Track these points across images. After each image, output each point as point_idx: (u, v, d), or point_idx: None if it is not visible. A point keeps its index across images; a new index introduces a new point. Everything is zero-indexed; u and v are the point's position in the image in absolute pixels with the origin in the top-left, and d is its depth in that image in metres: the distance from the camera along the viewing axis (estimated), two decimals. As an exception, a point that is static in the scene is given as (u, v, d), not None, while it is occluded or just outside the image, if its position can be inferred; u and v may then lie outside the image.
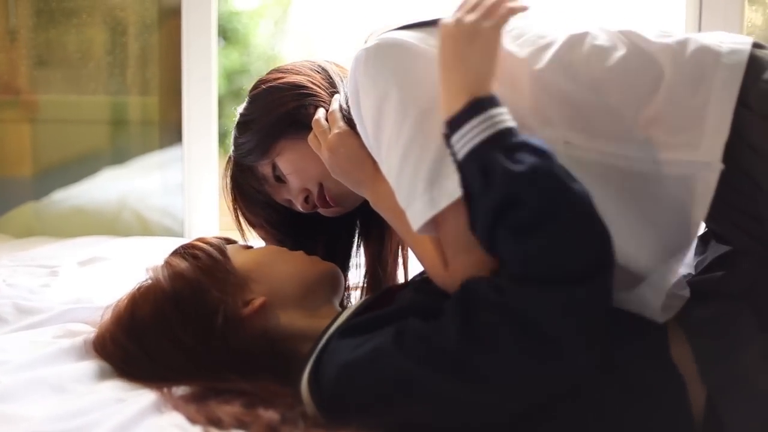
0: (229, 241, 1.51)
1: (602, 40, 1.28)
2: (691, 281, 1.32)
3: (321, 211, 1.59)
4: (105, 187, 2.82)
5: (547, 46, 1.28)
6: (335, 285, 1.50)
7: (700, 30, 2.48)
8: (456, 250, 1.22)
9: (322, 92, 1.54)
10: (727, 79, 1.22)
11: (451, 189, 1.19)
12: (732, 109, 1.20)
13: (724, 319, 1.23)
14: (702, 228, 1.35)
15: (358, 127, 1.37)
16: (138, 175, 2.85)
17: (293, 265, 1.45)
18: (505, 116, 1.13)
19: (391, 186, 1.27)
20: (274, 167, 1.56)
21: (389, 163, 1.26)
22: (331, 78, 1.57)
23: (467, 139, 1.13)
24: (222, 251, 1.43)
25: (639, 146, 1.23)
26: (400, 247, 1.69)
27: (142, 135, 2.87)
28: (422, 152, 1.22)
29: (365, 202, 1.48)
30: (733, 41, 1.26)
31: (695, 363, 1.20)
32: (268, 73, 1.62)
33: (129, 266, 2.12)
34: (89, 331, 1.54)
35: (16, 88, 2.85)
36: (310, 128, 1.49)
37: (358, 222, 1.71)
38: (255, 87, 1.60)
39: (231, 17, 3.49)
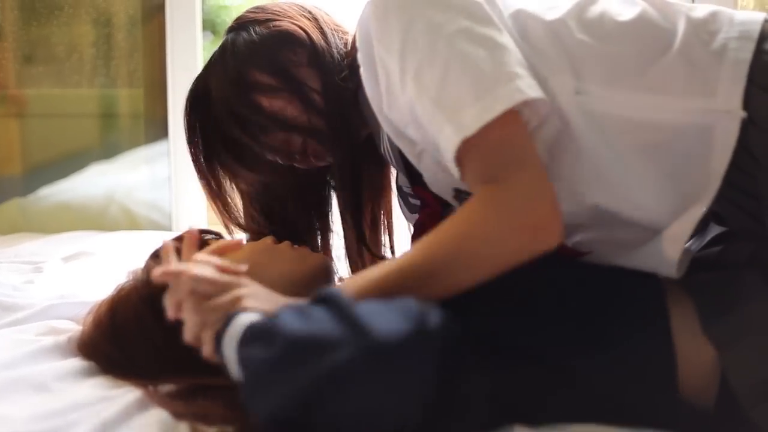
0: (214, 234, 1.48)
1: (615, 2, 1.29)
2: (693, 256, 1.30)
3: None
4: (92, 182, 2.81)
5: (559, 6, 1.29)
6: (327, 278, 1.47)
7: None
8: (506, 164, 1.13)
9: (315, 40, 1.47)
10: (743, 33, 1.22)
11: (505, 95, 1.12)
12: (749, 59, 1.19)
13: (727, 278, 1.22)
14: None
15: (363, 72, 1.30)
16: (125, 169, 2.82)
17: (281, 265, 1.40)
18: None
19: (425, 109, 1.18)
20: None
21: (422, 86, 1.18)
22: (322, 28, 1.49)
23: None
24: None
25: (654, 95, 1.21)
26: (382, 215, 1.64)
27: (130, 130, 2.84)
28: (465, 66, 1.15)
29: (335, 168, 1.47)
30: (744, 13, 1.27)
31: (698, 320, 1.18)
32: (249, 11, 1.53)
33: (115, 261, 2.10)
34: (73, 329, 1.51)
35: (3, 84, 2.82)
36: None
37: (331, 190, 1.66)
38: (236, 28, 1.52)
39: (219, 11, 3.47)
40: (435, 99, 1.16)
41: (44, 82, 2.82)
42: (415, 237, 1.52)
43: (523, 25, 1.26)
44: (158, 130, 2.75)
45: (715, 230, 1.36)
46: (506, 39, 1.20)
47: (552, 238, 1.12)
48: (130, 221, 2.74)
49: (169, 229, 2.69)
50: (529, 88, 1.14)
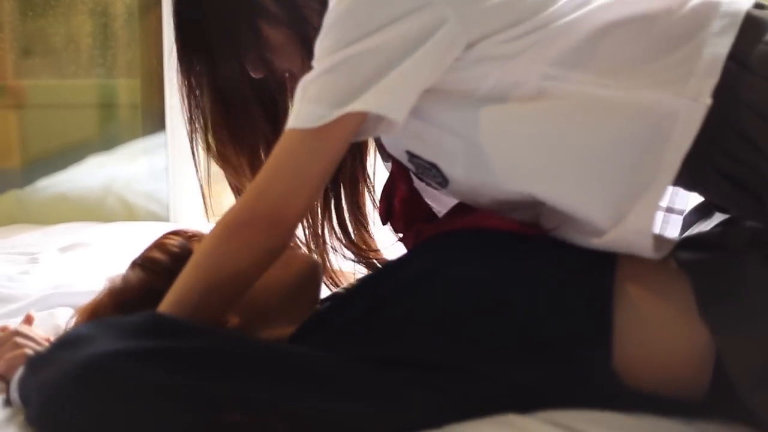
0: (195, 235, 1.45)
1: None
2: (692, 236, 1.29)
3: None
4: (90, 174, 2.80)
5: None
6: (316, 281, 1.44)
7: None
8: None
9: None
10: (724, 26, 1.18)
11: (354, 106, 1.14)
12: (725, 53, 1.16)
13: (727, 261, 1.19)
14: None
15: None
16: (123, 161, 2.82)
17: (267, 274, 1.33)
18: None
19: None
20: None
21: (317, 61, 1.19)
22: None
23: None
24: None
25: (620, 81, 1.18)
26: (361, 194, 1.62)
27: (128, 121, 2.83)
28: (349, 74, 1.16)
29: None
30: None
31: (696, 302, 1.15)
32: None
33: (112, 252, 2.09)
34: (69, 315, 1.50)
35: (0, 75, 2.81)
36: None
37: None
38: None
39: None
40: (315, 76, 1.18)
41: (42, 74, 2.81)
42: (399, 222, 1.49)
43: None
44: (156, 121, 2.74)
45: (719, 217, 1.33)
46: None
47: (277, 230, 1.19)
48: (128, 212, 2.73)
49: (166, 220, 2.67)
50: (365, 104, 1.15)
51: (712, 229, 1.31)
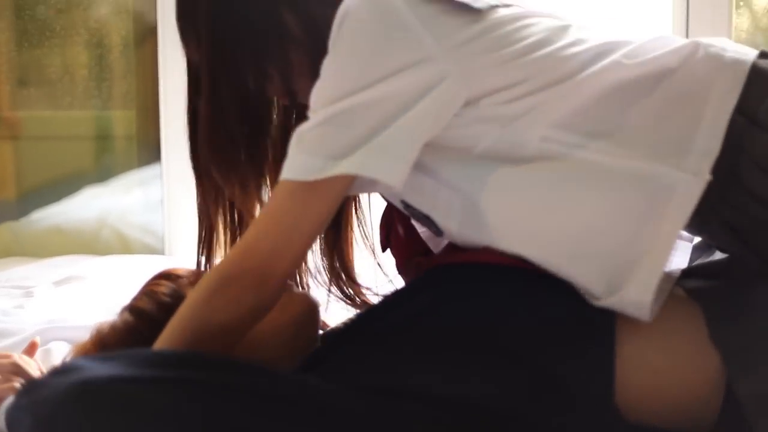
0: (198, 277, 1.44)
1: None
2: (696, 266, 1.26)
3: None
4: (85, 206, 2.79)
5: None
6: (315, 320, 1.41)
7: (687, 35, 2.45)
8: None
9: None
10: (728, 85, 1.16)
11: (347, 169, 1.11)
12: (724, 127, 1.14)
13: (737, 287, 1.16)
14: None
15: None
16: (118, 192, 2.80)
17: (264, 322, 1.28)
18: None
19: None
20: None
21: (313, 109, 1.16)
22: None
23: None
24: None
25: (619, 148, 1.15)
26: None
27: (123, 153, 2.83)
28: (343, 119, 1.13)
29: None
30: (735, 50, 1.19)
31: (706, 327, 1.13)
32: None
33: (107, 285, 2.08)
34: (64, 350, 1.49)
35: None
36: None
37: None
38: None
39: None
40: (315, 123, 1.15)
41: (37, 105, 2.81)
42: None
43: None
44: (151, 153, 2.73)
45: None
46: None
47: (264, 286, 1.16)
48: (123, 245, 2.72)
49: (162, 252, 2.66)
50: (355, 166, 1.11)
51: (717, 259, 1.29)
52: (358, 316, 1.38)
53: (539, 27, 1.21)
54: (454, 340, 1.17)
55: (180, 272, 1.43)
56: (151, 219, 2.75)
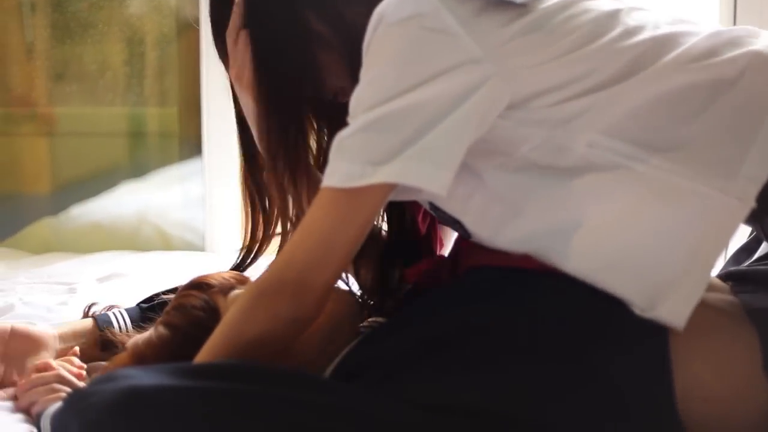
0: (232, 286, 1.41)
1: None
2: (744, 270, 1.23)
3: None
4: (123, 202, 2.78)
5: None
6: (355, 319, 1.38)
7: (735, 22, 2.40)
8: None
9: None
10: None
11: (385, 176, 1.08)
12: None
13: None
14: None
15: None
16: (157, 188, 2.80)
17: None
18: None
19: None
20: None
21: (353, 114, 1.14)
22: None
23: None
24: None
25: (666, 162, 1.11)
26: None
27: (162, 148, 2.83)
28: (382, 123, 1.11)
29: None
30: None
31: (761, 356, 1.09)
32: None
33: (149, 282, 2.06)
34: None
35: (33, 102, 2.80)
36: None
37: None
38: None
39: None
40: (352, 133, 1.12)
41: (76, 101, 2.81)
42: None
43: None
44: (192, 149, 2.73)
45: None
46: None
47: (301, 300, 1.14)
48: (163, 241, 2.71)
49: (202, 249, 2.66)
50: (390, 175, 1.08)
51: (763, 262, 1.26)
52: (402, 314, 1.35)
53: (587, 17, 1.16)
54: (502, 349, 1.13)
55: (211, 281, 1.41)
56: (191, 215, 2.74)
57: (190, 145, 2.73)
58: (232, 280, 1.40)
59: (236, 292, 1.36)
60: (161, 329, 1.37)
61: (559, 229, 1.14)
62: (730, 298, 1.17)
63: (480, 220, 1.20)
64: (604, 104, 1.12)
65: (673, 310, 1.09)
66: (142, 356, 1.35)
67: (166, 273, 2.18)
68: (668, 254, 1.10)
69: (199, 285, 1.41)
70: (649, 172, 1.11)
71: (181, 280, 1.82)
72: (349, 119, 1.13)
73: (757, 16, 2.39)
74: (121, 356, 1.38)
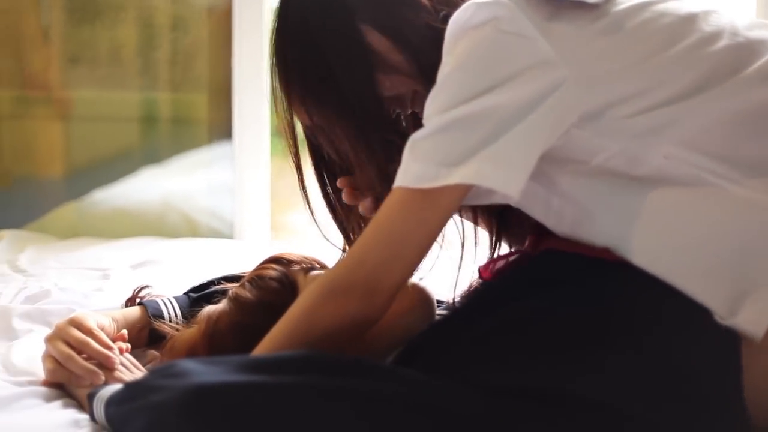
0: (312, 267, 1.41)
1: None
2: None
3: None
4: (146, 187, 2.76)
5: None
6: (429, 313, 1.36)
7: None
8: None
9: None
10: None
11: (463, 176, 1.07)
12: None
13: None
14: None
15: None
16: (179, 173, 2.78)
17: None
18: None
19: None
20: None
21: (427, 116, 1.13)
22: None
23: None
24: None
25: (742, 176, 1.12)
26: None
27: (184, 133, 2.81)
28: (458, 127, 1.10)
29: None
30: None
31: None
32: None
33: (181, 269, 2.05)
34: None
35: (49, 85, 2.78)
36: None
37: None
38: None
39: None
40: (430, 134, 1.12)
41: (94, 85, 2.79)
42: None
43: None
44: (220, 133, 2.71)
45: None
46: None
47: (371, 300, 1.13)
48: (190, 228, 2.69)
49: (230, 236, 2.63)
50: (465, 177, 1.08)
51: None
52: (473, 296, 1.33)
53: (663, 21, 1.15)
54: (571, 333, 1.12)
55: (292, 257, 1.41)
56: (217, 202, 2.72)
57: (218, 130, 2.71)
58: (313, 261, 1.40)
59: (316, 272, 1.36)
60: (239, 297, 1.36)
61: (635, 235, 1.14)
62: None
63: (558, 221, 1.21)
64: (681, 117, 1.12)
65: (751, 320, 1.09)
66: (215, 328, 1.34)
67: (196, 260, 2.17)
68: (751, 266, 1.11)
69: (278, 260, 1.41)
70: (721, 183, 1.11)
71: (214, 267, 1.82)
72: (424, 121, 1.13)
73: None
74: (190, 331, 1.36)
